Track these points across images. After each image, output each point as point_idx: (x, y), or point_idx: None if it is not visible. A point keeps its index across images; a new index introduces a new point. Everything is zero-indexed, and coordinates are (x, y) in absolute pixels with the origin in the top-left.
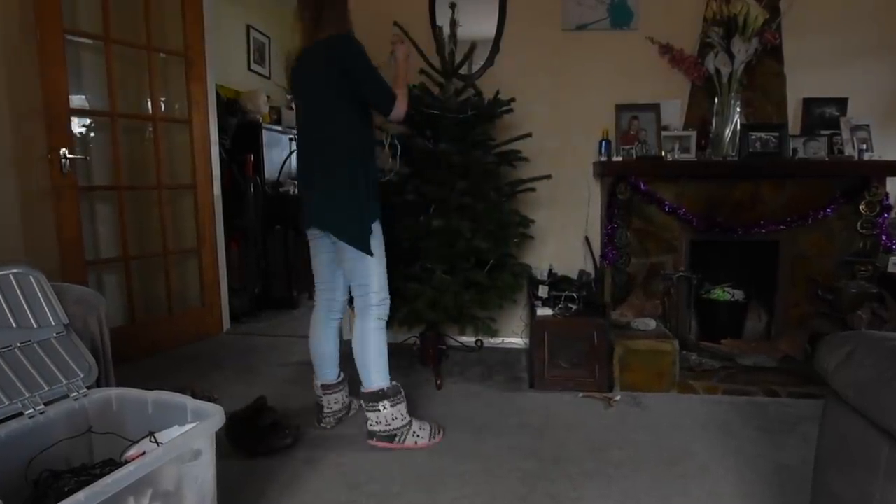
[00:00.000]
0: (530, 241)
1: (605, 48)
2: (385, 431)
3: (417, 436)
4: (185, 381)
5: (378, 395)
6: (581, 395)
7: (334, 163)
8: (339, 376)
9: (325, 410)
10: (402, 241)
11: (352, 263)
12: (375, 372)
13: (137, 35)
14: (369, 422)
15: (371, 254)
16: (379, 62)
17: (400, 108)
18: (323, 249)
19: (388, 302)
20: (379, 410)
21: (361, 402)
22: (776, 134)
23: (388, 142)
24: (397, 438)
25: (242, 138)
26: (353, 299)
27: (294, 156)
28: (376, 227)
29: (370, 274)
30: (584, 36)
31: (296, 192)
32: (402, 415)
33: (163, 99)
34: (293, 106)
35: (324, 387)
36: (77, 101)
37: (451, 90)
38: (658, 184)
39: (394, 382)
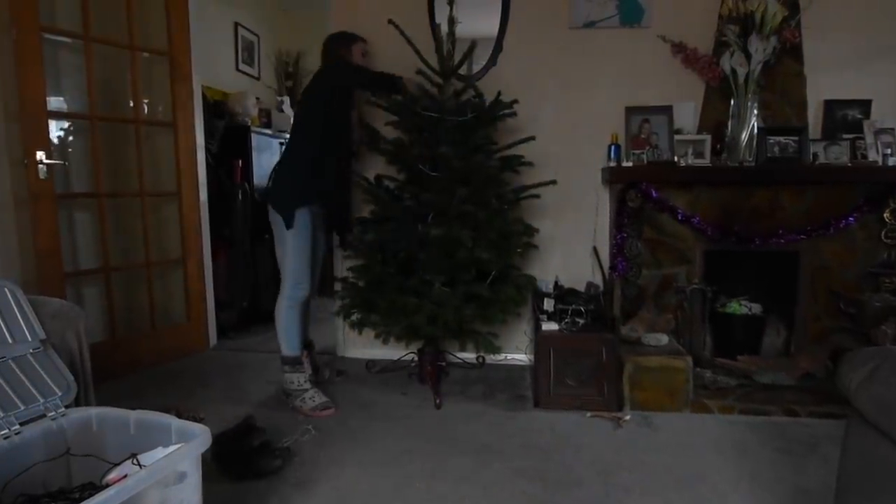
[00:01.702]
0: (535, 252)
1: (615, 47)
2: (285, 389)
3: (304, 402)
4: (169, 399)
5: (283, 360)
6: (589, 414)
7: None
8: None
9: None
10: (399, 251)
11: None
12: (283, 342)
13: (119, 33)
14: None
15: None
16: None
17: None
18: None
19: (301, 286)
20: (284, 372)
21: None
22: (795, 138)
23: None
24: (290, 397)
25: (230, 142)
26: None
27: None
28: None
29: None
30: (592, 34)
31: None
32: (297, 382)
33: (145, 101)
34: (282, 109)
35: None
36: (55, 103)
37: (450, 91)
38: (670, 191)
39: (297, 355)
